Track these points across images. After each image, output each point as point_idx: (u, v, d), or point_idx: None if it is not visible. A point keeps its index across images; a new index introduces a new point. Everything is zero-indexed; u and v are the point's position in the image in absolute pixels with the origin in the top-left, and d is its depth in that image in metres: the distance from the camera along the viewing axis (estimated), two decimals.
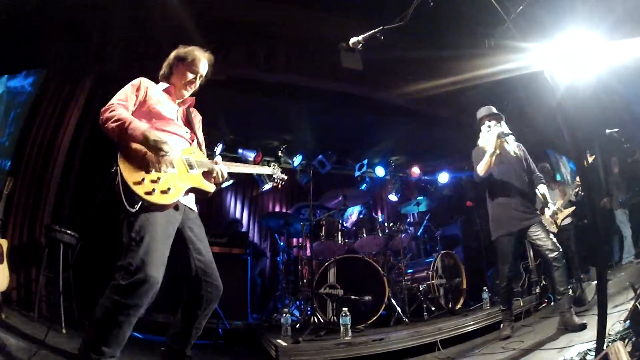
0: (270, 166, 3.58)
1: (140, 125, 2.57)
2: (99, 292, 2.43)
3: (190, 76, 3.02)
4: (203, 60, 3.05)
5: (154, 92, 2.89)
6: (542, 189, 4.39)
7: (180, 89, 3.03)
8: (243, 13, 5.49)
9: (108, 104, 2.65)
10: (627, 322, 2.80)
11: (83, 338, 2.37)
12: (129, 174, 2.46)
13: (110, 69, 5.31)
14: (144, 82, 2.86)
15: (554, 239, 4.05)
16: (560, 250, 3.98)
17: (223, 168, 2.96)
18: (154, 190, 2.48)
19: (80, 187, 5.35)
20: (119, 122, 2.54)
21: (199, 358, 3.24)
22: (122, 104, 2.68)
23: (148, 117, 2.78)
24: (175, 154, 2.67)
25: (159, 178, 2.54)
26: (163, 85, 3.01)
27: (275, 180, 3.60)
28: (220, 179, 2.95)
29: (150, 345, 4.15)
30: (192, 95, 3.13)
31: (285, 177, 3.62)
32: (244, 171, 3.48)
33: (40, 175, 4.94)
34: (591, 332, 2.69)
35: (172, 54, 3.06)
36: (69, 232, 4.52)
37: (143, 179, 2.48)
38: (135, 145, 2.56)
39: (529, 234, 4.13)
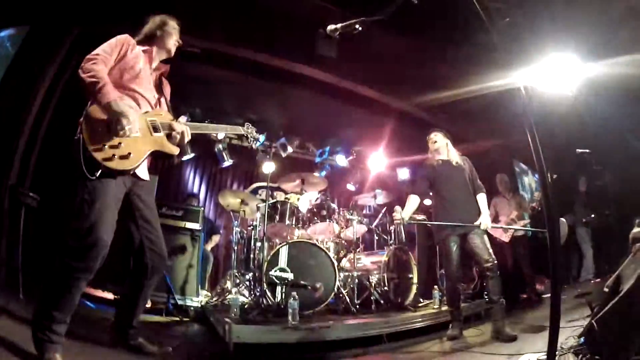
0: (243, 126, 3.64)
1: (110, 93, 2.55)
2: (56, 256, 2.40)
3: (172, 40, 3.11)
4: (177, 27, 3.16)
5: (135, 51, 2.91)
6: (480, 198, 4.54)
7: (161, 51, 3.09)
8: None
9: (92, 54, 2.66)
10: (582, 338, 2.85)
11: (36, 303, 2.35)
12: (90, 140, 2.45)
13: (91, 30, 5.11)
14: (129, 39, 2.90)
15: (490, 249, 4.21)
16: (495, 261, 4.15)
17: (188, 128, 2.95)
18: (113, 156, 2.48)
19: (46, 149, 5.18)
20: (93, 80, 2.54)
21: (147, 332, 3.19)
22: (105, 57, 2.69)
23: (123, 72, 2.79)
24: (136, 126, 2.62)
25: (120, 143, 2.53)
26: (143, 47, 3.03)
27: (250, 140, 3.68)
28: (186, 139, 2.93)
29: (102, 316, 4.08)
30: (167, 62, 3.17)
31: (260, 137, 3.72)
32: (215, 132, 3.50)
33: (9, 134, 4.74)
34: (542, 342, 2.73)
35: (152, 20, 3.11)
36: (31, 194, 4.33)
37: (103, 145, 2.47)
38: (99, 111, 2.54)
39: (467, 240, 4.28)
